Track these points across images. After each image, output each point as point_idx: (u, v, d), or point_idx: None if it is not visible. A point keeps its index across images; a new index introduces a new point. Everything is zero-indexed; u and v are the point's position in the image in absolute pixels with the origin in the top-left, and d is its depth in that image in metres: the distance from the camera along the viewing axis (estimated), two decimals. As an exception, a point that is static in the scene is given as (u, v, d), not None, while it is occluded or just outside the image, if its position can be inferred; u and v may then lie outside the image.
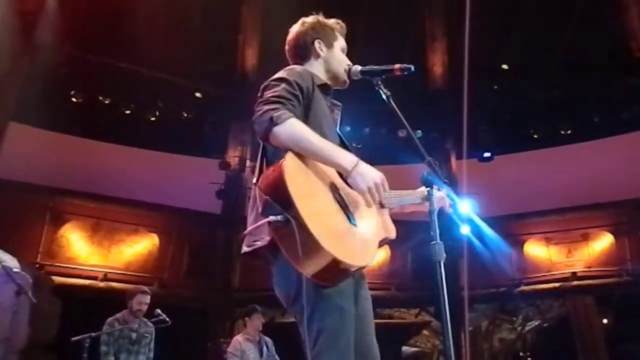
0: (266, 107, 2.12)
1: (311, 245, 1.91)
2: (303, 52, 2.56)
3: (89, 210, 10.42)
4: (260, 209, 2.04)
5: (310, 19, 2.61)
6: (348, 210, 2.14)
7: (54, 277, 9.68)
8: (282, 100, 2.15)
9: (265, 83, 2.30)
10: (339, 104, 2.61)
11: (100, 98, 10.37)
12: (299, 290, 2.05)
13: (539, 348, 14.14)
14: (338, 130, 2.53)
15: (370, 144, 10.59)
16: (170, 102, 11.14)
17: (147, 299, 6.05)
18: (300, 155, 2.06)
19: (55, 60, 9.48)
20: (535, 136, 11.16)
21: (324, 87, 2.49)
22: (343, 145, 2.42)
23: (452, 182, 9.86)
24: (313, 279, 2.00)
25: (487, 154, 10.75)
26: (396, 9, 11.53)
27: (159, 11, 9.58)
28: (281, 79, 2.26)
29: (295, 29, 2.61)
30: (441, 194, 2.59)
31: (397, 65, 2.40)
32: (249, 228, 2.15)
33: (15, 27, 8.49)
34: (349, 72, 2.54)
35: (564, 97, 10.90)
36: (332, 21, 2.64)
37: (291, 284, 2.09)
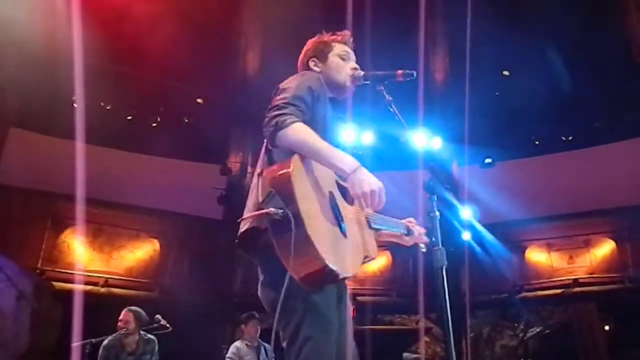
0: (274, 113, 2.18)
1: (305, 246, 1.95)
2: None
3: (90, 216, 10.39)
4: (261, 199, 2.11)
5: (310, 41, 2.67)
6: (342, 221, 2.18)
7: (55, 283, 9.68)
8: (288, 105, 2.20)
9: (279, 86, 2.35)
10: (342, 116, 2.66)
11: (102, 104, 10.37)
12: (289, 295, 2.06)
13: (540, 354, 14.09)
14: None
15: (372, 149, 10.59)
16: (171, 108, 11.14)
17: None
18: (304, 161, 2.11)
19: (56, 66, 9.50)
20: (537, 142, 11.15)
21: (331, 99, 2.55)
22: None
23: (454, 188, 9.86)
24: (300, 282, 2.03)
25: (488, 160, 10.74)
26: (398, 13, 11.54)
27: (160, 16, 9.59)
28: (292, 84, 2.32)
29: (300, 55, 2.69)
30: (420, 229, 2.68)
31: (399, 71, 2.41)
32: (247, 215, 2.19)
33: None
34: (353, 77, 2.55)
35: (565, 103, 10.89)
36: (329, 36, 2.66)
37: (280, 287, 2.08)
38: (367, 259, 2.33)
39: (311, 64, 2.60)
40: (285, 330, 2.15)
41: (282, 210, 1.98)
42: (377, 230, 2.47)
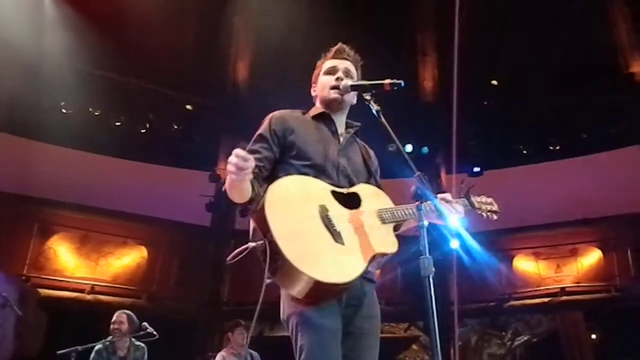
0: None
1: (287, 267, 2.06)
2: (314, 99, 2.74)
3: (78, 222, 10.33)
4: (250, 237, 2.25)
5: None
6: (333, 229, 2.23)
7: (41, 290, 9.58)
8: None
9: None
10: (354, 124, 2.72)
11: (90, 109, 10.32)
12: (290, 312, 2.27)
13: (528, 363, 14.12)
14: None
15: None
16: (160, 114, 11.10)
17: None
18: (278, 190, 2.23)
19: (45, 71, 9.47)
20: (525, 151, 11.20)
21: (321, 116, 2.62)
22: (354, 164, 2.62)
23: (442, 197, 9.84)
24: (306, 301, 2.16)
25: (476, 169, 10.76)
26: (387, 23, 11.59)
27: (150, 22, 9.57)
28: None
29: None
30: (448, 206, 2.71)
31: (387, 81, 2.41)
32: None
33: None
34: (338, 88, 2.57)
35: (553, 112, 10.97)
36: (324, 56, 2.72)
37: (282, 305, 2.33)
38: (380, 255, 2.34)
39: (312, 90, 2.73)
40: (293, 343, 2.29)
41: (261, 242, 2.11)
42: (392, 223, 2.45)
